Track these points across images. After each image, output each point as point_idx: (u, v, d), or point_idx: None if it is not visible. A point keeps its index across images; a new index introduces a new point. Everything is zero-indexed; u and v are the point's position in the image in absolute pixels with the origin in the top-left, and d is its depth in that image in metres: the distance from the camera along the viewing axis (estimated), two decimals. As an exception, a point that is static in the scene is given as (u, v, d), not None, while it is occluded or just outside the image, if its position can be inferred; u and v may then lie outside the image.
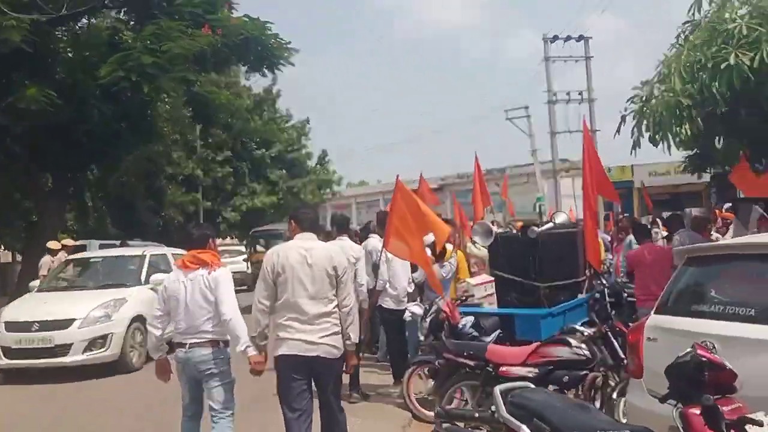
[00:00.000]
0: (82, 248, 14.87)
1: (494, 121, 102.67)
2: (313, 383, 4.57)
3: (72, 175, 17.56)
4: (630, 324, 8.00)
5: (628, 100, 8.04)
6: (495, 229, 8.76)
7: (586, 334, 5.22)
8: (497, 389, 3.73)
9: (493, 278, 8.18)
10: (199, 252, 4.75)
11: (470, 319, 6.78)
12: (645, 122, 7.83)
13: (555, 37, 28.36)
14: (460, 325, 6.60)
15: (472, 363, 5.35)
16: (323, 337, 4.42)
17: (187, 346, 4.59)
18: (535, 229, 8.07)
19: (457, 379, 5.52)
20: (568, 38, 28.47)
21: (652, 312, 4.34)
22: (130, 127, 16.10)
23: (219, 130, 25.38)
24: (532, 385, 3.95)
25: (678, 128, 6.42)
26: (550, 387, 5.20)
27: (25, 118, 13.55)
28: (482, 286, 7.88)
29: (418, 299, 8.13)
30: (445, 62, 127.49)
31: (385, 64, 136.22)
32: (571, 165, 34.34)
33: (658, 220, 12.69)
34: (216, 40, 14.34)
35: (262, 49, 16.12)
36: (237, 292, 4.84)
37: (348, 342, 4.53)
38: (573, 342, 5.08)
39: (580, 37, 28.65)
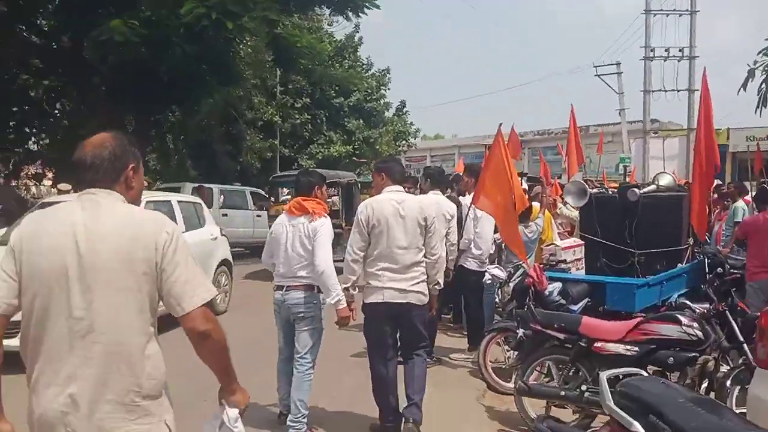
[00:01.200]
0: (176, 190, 14.90)
1: (582, 77, 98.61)
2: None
3: (154, 117, 17.64)
4: (709, 289, 7.37)
5: (760, 52, 7.06)
6: (589, 189, 8.03)
7: (698, 311, 4.56)
8: (603, 375, 3.19)
9: (582, 242, 7.55)
10: (304, 199, 4.87)
11: (558, 285, 6.22)
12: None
13: (657, -11, 26.44)
14: (546, 292, 6.05)
15: (562, 336, 4.80)
16: (413, 284, 4.62)
17: (285, 288, 4.78)
18: (636, 191, 7.36)
19: (543, 352, 5.00)
20: (670, -10, 26.48)
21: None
22: (212, 68, 15.88)
23: (299, 76, 25.06)
24: (645, 373, 3.40)
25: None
26: (651, 369, 4.65)
27: (111, 52, 13.52)
28: (571, 250, 7.29)
29: (496, 261, 7.59)
30: (534, 14, 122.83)
31: (470, 15, 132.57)
32: (660, 126, 32.61)
33: (765, 186, 11.53)
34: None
35: (348, -10, 15.54)
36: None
37: (436, 286, 4.76)
38: (684, 320, 4.43)
39: (686, -10, 26.59)
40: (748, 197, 10.55)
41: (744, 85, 7.21)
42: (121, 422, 2.13)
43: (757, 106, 7.60)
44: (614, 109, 30.65)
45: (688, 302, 4.77)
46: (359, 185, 15.80)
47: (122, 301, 2.14)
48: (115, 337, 2.13)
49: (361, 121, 27.61)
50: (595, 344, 4.64)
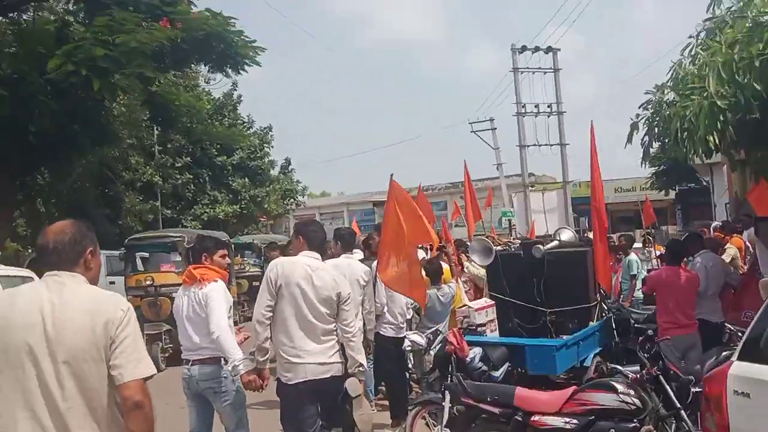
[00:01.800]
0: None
1: (457, 134, 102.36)
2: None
3: (21, 180, 16.23)
4: (641, 353, 7.42)
5: (640, 106, 7.31)
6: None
7: (631, 377, 4.40)
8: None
9: (493, 302, 7.37)
10: (195, 267, 4.73)
11: (479, 350, 5.96)
12: (657, 130, 7.16)
13: (524, 48, 27.81)
14: (468, 359, 5.76)
15: (497, 410, 4.49)
16: (332, 355, 4.30)
17: (190, 363, 4.54)
18: (540, 247, 7.30)
19: (479, 428, 4.65)
20: (536, 49, 27.98)
21: (734, 358, 3.54)
22: (83, 127, 14.85)
23: (178, 135, 24.18)
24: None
25: (710, 135, 5.69)
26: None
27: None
28: (483, 311, 7.03)
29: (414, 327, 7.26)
30: (408, 74, 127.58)
31: (346, 74, 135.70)
32: (536, 179, 34.11)
33: (650, 237, 12.07)
34: (175, 34, 13.24)
35: (225, 46, 15.05)
36: None
37: (360, 369, 4.36)
38: (619, 387, 4.25)
39: (549, 49, 28.10)
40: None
41: (629, 139, 7.49)
42: None
43: (643, 159, 7.93)
44: (491, 164, 31.71)
45: (619, 367, 4.60)
46: (233, 247, 13.91)
47: (87, 369, 2.42)
48: (83, 401, 2.42)
49: (247, 179, 26.98)
50: (533, 418, 4.37)
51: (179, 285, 4.98)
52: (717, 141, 6.10)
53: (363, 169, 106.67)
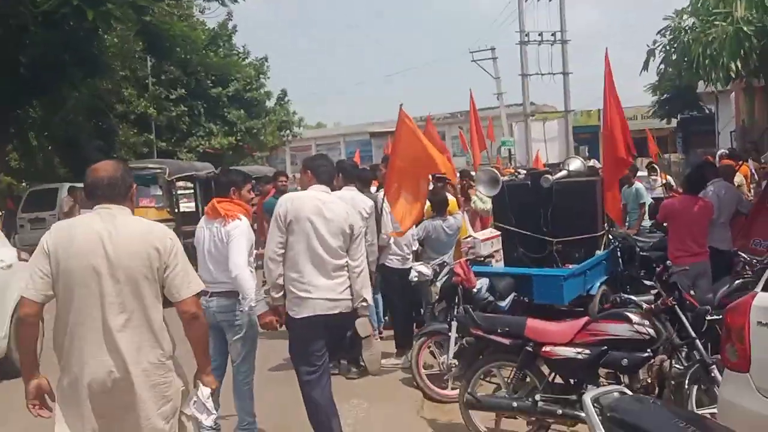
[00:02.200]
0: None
1: (458, 64, 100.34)
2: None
3: (13, 113, 15.89)
4: (645, 279, 7.38)
5: (658, 32, 7.03)
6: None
7: (645, 307, 4.32)
8: (588, 398, 2.83)
9: (498, 233, 7.29)
10: (219, 200, 4.59)
11: (485, 281, 5.92)
12: (674, 57, 6.90)
13: (528, -26, 26.98)
14: (475, 290, 5.71)
15: (507, 342, 4.43)
16: (342, 291, 4.21)
17: (209, 294, 4.47)
18: (549, 177, 7.18)
19: (488, 359, 4.61)
20: (540, -25, 27.11)
21: (759, 288, 3.44)
22: (75, 59, 14.47)
23: (172, 66, 23.60)
24: (628, 391, 3.07)
25: (734, 62, 5.46)
26: (604, 371, 4.40)
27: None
28: (489, 242, 6.97)
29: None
30: (408, 3, 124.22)
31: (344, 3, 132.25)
32: (536, 108, 33.70)
33: (655, 166, 11.93)
34: (170, -40, 12.72)
35: (222, -30, 14.57)
36: None
37: (364, 304, 4.28)
38: (634, 317, 4.18)
39: (554, -27, 27.30)
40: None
41: (645, 66, 7.21)
42: (152, 377, 2.87)
43: (658, 86, 7.75)
44: (492, 94, 31.22)
45: (633, 297, 4.52)
46: None
47: (143, 288, 2.85)
48: (142, 314, 2.86)
49: (242, 111, 26.50)
50: (544, 348, 4.31)
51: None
52: (739, 67, 5.87)
53: (359, 101, 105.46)
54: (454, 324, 5.23)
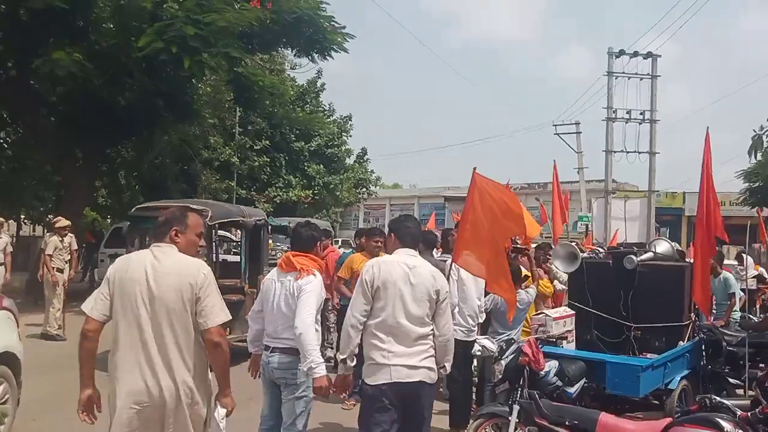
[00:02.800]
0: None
1: (540, 136, 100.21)
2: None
3: (106, 152, 16.62)
4: (730, 377, 6.75)
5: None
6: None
7: (740, 414, 3.86)
8: None
9: (573, 312, 6.87)
10: (294, 254, 4.53)
11: (555, 364, 5.51)
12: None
13: (621, 52, 26.77)
14: (542, 372, 5.32)
15: (576, 436, 4.03)
16: (423, 359, 4.04)
17: (270, 350, 4.43)
18: (634, 258, 6.75)
19: (552, 453, 4.22)
20: (635, 54, 26.82)
21: None
22: (169, 104, 15.10)
23: (259, 118, 24.38)
24: None
25: None
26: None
27: (59, 83, 12.57)
28: (561, 321, 6.56)
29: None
30: (492, 74, 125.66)
31: (432, 71, 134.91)
32: (617, 186, 32.89)
33: (743, 255, 11.19)
34: (265, 15, 13.17)
35: (314, 31, 15.00)
36: None
37: (441, 370, 4.20)
38: (726, 425, 3.72)
39: (649, 54, 26.98)
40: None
41: (751, 152, 6.82)
42: (181, 396, 3.22)
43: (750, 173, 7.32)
44: (572, 168, 30.73)
45: (725, 402, 4.05)
46: (269, 228, 10.55)
47: (176, 317, 3.25)
48: (173, 340, 3.24)
49: (322, 166, 27.01)
50: (617, 449, 3.89)
51: None
52: None
53: (437, 164, 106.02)
54: (516, 408, 4.85)
